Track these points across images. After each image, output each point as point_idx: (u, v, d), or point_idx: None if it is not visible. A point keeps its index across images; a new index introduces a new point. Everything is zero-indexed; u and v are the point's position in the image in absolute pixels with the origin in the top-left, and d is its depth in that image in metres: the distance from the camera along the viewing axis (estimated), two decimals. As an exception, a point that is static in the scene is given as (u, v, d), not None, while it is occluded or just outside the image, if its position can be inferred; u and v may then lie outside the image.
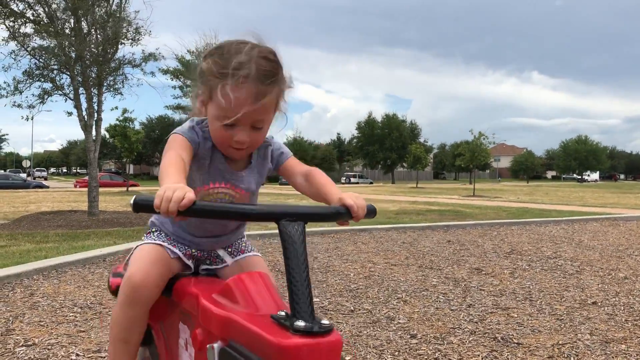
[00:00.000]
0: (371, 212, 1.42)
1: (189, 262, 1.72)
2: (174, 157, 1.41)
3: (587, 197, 26.77)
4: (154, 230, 1.77)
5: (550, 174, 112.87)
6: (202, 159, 1.58)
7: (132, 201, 1.19)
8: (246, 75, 1.40)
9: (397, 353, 3.27)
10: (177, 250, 1.69)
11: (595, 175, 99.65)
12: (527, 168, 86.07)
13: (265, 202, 1.26)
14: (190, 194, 1.18)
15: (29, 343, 3.36)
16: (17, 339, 3.42)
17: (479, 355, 3.25)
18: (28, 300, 4.38)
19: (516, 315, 4.13)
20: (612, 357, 3.25)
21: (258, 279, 1.35)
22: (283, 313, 1.13)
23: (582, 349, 3.40)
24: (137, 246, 1.72)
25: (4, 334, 3.53)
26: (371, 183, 64.38)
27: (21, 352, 3.20)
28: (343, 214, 1.37)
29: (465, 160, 32.76)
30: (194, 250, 1.74)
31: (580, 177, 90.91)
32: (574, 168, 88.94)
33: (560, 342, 3.50)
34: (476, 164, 33.05)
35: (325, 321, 1.09)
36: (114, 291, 1.75)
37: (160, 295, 1.59)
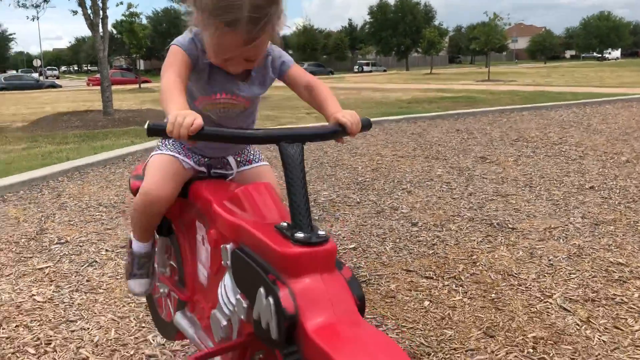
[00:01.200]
0: (366, 126, 1.53)
1: (202, 169, 1.88)
2: (173, 77, 1.50)
3: (606, 77, 26.28)
4: (168, 139, 1.85)
5: (569, 53, 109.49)
6: (202, 71, 1.65)
7: (146, 126, 1.32)
8: (237, 19, 1.39)
9: (398, 240, 3.55)
10: (190, 161, 1.82)
11: (617, 53, 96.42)
12: (545, 48, 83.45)
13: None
14: (198, 120, 1.30)
15: (62, 241, 3.68)
16: (51, 238, 3.75)
17: (474, 240, 3.51)
18: (56, 201, 4.69)
19: (514, 202, 4.36)
20: (599, 238, 3.50)
21: (264, 190, 1.51)
22: (285, 224, 1.30)
23: (572, 231, 3.64)
24: (152, 155, 1.84)
25: (39, 233, 3.85)
26: (385, 71, 63.29)
27: (56, 249, 3.53)
28: (339, 132, 1.47)
29: (480, 44, 31.96)
30: (206, 159, 1.87)
31: (600, 55, 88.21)
32: (595, 46, 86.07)
33: (552, 226, 3.74)
34: (492, 47, 32.25)
35: (321, 232, 1.26)
36: (135, 192, 1.94)
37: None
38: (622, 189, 4.69)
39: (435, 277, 2.97)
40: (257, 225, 1.36)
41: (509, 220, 3.89)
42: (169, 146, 1.84)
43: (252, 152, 1.96)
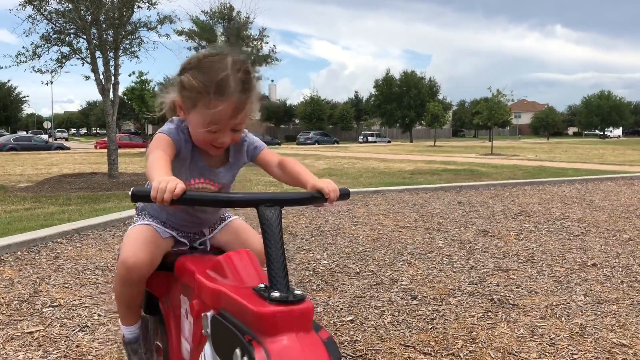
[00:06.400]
0: (344, 195, 1.58)
1: (183, 240, 1.91)
2: (160, 155, 1.57)
3: (607, 155, 26.53)
4: (145, 212, 1.92)
5: (571, 130, 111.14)
6: (184, 159, 1.75)
7: (130, 192, 1.35)
8: (228, 90, 1.56)
9: (397, 313, 3.48)
10: (169, 231, 1.88)
11: (618, 131, 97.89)
12: (548, 125, 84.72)
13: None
14: (181, 185, 1.33)
15: (55, 304, 3.62)
16: (44, 300, 3.69)
17: (474, 316, 3.44)
18: (53, 263, 4.65)
19: (515, 277, 4.30)
20: (602, 317, 3.42)
21: (244, 257, 1.54)
22: (262, 285, 1.32)
23: (574, 309, 3.56)
24: (130, 227, 1.88)
25: (32, 295, 3.80)
26: (389, 142, 64.20)
27: (48, 312, 3.47)
28: (317, 197, 1.52)
29: (482, 119, 32.52)
30: (182, 232, 1.94)
31: (602, 133, 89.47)
32: (596, 124, 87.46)
33: (554, 303, 3.67)
34: (495, 122, 32.80)
35: (298, 291, 1.28)
36: None
37: (160, 271, 1.79)
38: (624, 267, 4.63)
39: (433, 354, 2.89)
40: (235, 289, 1.38)
41: (510, 296, 3.82)
42: (146, 218, 1.88)
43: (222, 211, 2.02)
